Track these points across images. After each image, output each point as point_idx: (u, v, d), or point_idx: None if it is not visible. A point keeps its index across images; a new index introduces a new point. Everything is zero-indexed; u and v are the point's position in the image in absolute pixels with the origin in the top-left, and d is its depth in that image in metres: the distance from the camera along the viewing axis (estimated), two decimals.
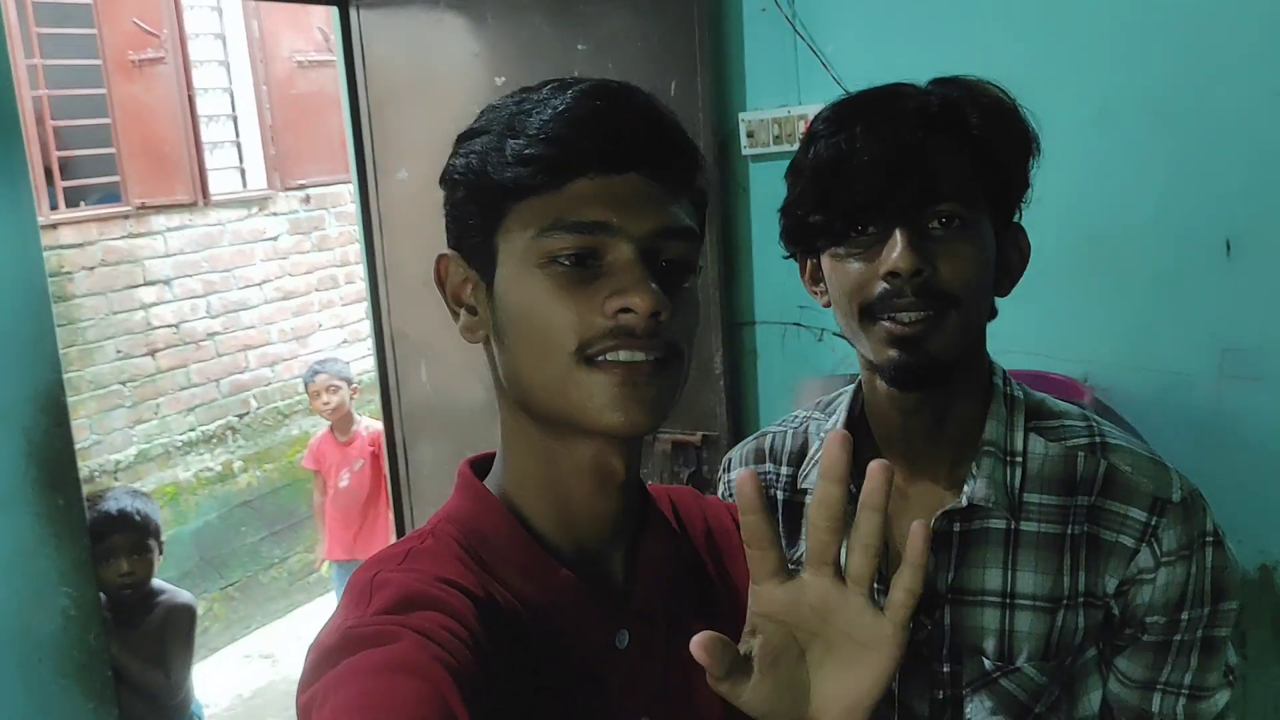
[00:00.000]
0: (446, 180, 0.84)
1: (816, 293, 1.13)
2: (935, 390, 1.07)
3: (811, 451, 1.20)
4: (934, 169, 1.03)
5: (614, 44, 2.72)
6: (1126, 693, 1.09)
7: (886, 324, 1.03)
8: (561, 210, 0.77)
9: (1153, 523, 1.04)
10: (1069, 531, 1.07)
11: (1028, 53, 2.33)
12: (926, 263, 1.01)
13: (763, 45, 2.59)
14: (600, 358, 0.77)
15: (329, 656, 0.68)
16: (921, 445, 1.11)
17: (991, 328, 2.48)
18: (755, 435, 1.28)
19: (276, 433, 5.59)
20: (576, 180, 0.77)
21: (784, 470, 1.22)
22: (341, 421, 4.51)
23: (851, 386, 1.19)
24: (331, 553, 4.56)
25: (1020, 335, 2.40)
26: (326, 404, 4.49)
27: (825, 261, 1.08)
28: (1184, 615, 1.04)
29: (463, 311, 0.85)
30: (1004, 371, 1.15)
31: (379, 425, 4.64)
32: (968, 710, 1.10)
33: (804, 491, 1.18)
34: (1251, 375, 2.19)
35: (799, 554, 1.15)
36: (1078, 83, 2.28)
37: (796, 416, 1.25)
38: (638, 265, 0.77)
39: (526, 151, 0.77)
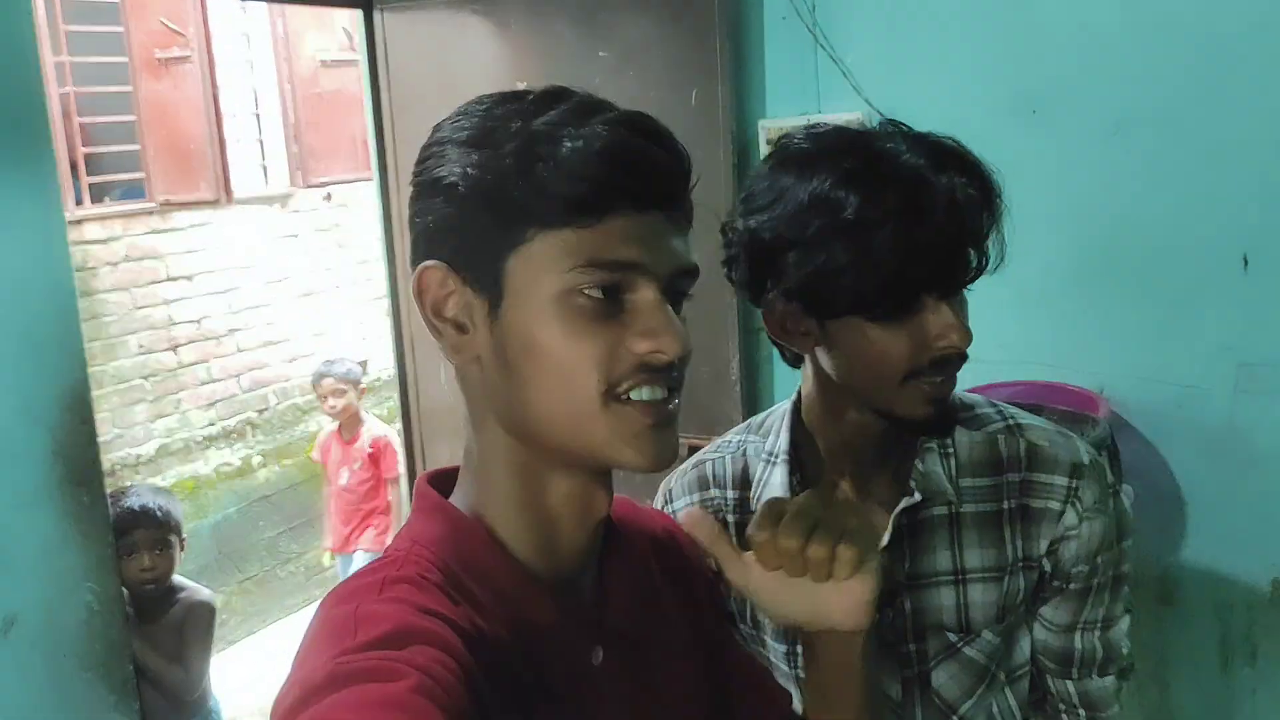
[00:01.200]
0: (437, 187, 0.78)
1: (790, 334, 1.12)
2: None
3: (758, 474, 1.24)
4: (975, 249, 1.09)
5: (635, 51, 2.73)
6: (1053, 638, 1.22)
7: (926, 386, 1.09)
8: (596, 249, 0.75)
9: (1073, 485, 1.16)
10: (1004, 506, 1.18)
11: (1046, 66, 2.34)
12: (970, 332, 1.09)
13: (783, 54, 2.61)
14: (626, 396, 0.76)
15: (316, 692, 0.64)
16: (871, 458, 1.19)
17: (1009, 339, 2.48)
18: (692, 464, 1.30)
19: (295, 429, 5.63)
20: (609, 217, 0.75)
21: (730, 494, 1.26)
22: (349, 421, 4.56)
23: (782, 408, 1.25)
24: (335, 545, 4.69)
25: (1037, 347, 2.41)
26: (333, 407, 4.55)
27: (842, 321, 1.08)
28: (1099, 560, 1.18)
29: (448, 328, 0.80)
30: None
31: (385, 429, 4.68)
32: (935, 683, 1.19)
33: (754, 513, 1.22)
34: (1266, 390, 2.20)
35: None
36: (1095, 96, 2.29)
37: (730, 441, 1.29)
38: (664, 306, 0.77)
39: (560, 183, 0.74)
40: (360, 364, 4.85)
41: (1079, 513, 1.16)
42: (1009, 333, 2.42)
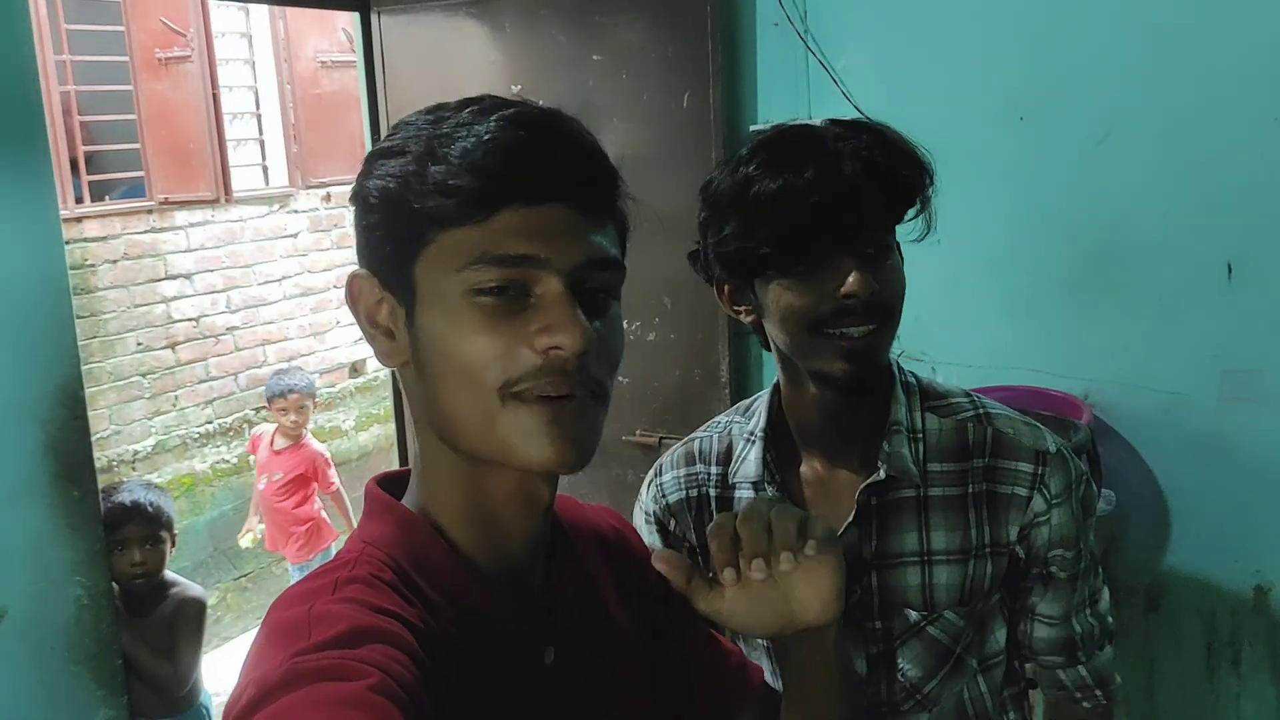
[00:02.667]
0: (360, 199, 0.80)
1: (739, 313, 1.23)
2: (867, 393, 1.21)
3: (737, 451, 1.30)
4: (870, 202, 1.14)
5: (629, 55, 2.75)
6: (1054, 631, 1.27)
7: (839, 340, 1.14)
8: (487, 243, 0.75)
9: (1039, 472, 1.21)
10: (969, 491, 1.22)
11: (1036, 73, 2.35)
12: (875, 283, 1.12)
13: (775, 59, 2.62)
14: (524, 393, 0.75)
15: (272, 691, 0.64)
16: (839, 437, 1.24)
17: (994, 344, 2.49)
18: (683, 442, 1.36)
19: None
20: (502, 212, 0.75)
21: (714, 470, 1.32)
22: (293, 432, 4.53)
23: (767, 391, 1.31)
24: (268, 544, 4.75)
25: (1022, 352, 2.42)
26: (295, 423, 4.50)
27: (765, 286, 1.17)
28: (1080, 546, 1.23)
29: (379, 335, 0.81)
30: (897, 360, 1.28)
31: (322, 447, 4.71)
32: (900, 661, 1.23)
33: (733, 486, 1.29)
34: (1250, 398, 2.21)
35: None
36: (1085, 104, 2.31)
37: (719, 422, 1.35)
38: (566, 300, 0.75)
39: (450, 181, 0.75)
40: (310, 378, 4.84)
41: (1047, 499, 1.21)
42: (994, 338, 2.43)
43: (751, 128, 2.65)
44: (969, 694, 1.25)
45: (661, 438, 2.85)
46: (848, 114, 2.49)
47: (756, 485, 1.26)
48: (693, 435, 1.36)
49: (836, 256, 1.12)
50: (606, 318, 0.80)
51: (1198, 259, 2.23)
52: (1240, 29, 2.14)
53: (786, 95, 2.61)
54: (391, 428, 5.04)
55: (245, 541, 4.73)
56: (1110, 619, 1.31)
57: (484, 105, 0.78)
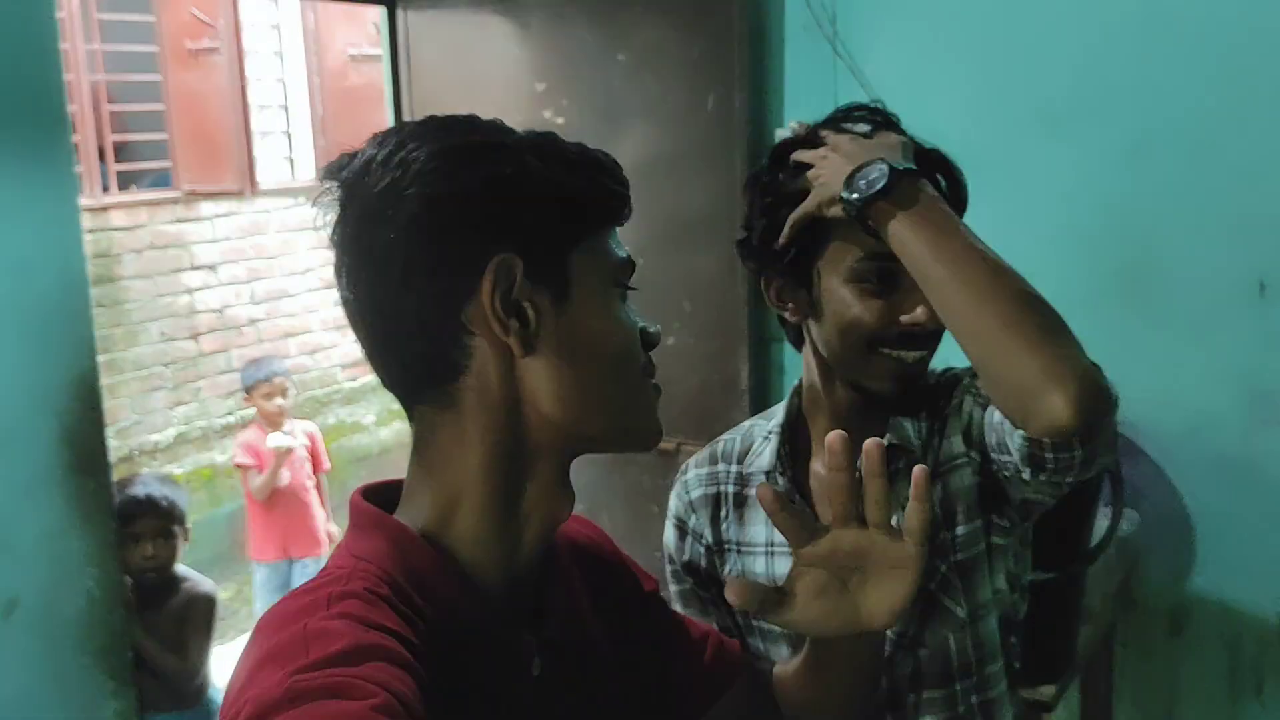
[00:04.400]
0: (508, 184, 0.79)
1: (784, 308, 1.24)
2: None
3: (755, 446, 1.33)
4: None
5: (654, 56, 2.73)
6: (990, 430, 1.17)
7: (892, 360, 1.17)
8: (616, 244, 0.85)
9: (967, 382, 1.23)
10: (931, 428, 1.25)
11: (1067, 83, 2.31)
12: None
13: (802, 62, 2.59)
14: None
15: (272, 709, 0.63)
16: (860, 420, 1.22)
17: None
18: (710, 444, 1.39)
19: (314, 420, 5.65)
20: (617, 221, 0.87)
21: (733, 468, 1.34)
22: (278, 420, 4.41)
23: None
24: (264, 553, 4.43)
25: None
26: (280, 406, 4.37)
27: (838, 294, 1.18)
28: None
29: (514, 322, 0.79)
30: None
31: (308, 422, 4.58)
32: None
33: (748, 479, 1.32)
34: None
35: (747, 538, 1.32)
36: (1117, 115, 2.26)
37: (744, 425, 1.39)
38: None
39: (615, 187, 0.84)
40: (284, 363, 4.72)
41: (975, 398, 1.20)
42: None
43: (777, 131, 2.62)
44: (955, 644, 1.22)
45: (679, 443, 2.82)
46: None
47: (769, 475, 1.28)
48: (719, 437, 1.39)
49: (909, 282, 1.13)
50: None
51: (1230, 276, 2.18)
52: (1277, 42, 2.09)
53: (813, 100, 2.58)
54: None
55: (276, 441, 4.36)
56: None
57: (547, 134, 0.84)
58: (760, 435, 1.34)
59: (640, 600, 0.93)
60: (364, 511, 0.84)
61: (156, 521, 2.79)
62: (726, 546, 1.34)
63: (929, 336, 1.17)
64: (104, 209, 4.73)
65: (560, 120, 2.90)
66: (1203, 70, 2.16)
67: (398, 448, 6.10)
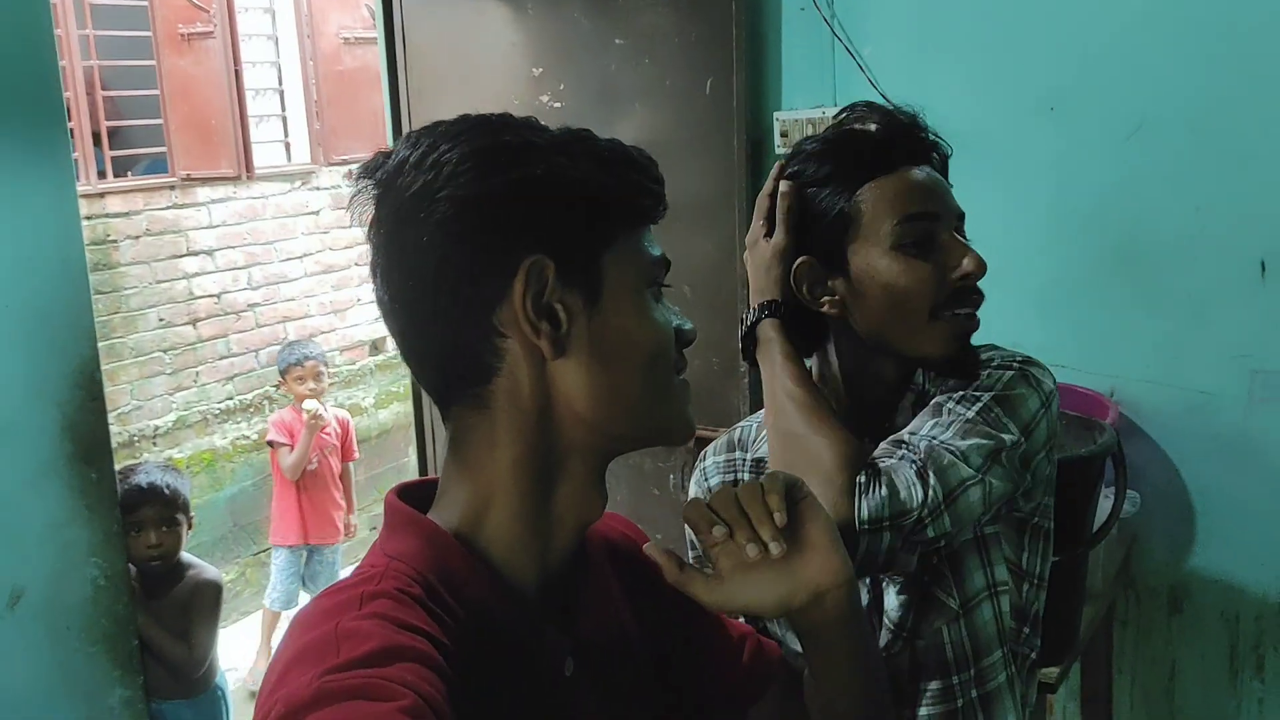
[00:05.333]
0: (539, 186, 0.79)
1: (821, 305, 1.21)
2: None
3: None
4: (946, 188, 1.23)
5: (652, 40, 2.71)
6: (886, 444, 1.18)
7: (954, 321, 1.17)
8: (650, 243, 0.85)
9: (953, 383, 1.22)
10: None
11: (1067, 63, 2.30)
12: (983, 261, 1.17)
13: (800, 46, 2.58)
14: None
15: (302, 709, 0.63)
16: (873, 402, 1.25)
17: (1021, 339, 2.49)
18: (729, 430, 1.41)
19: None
20: (649, 223, 0.87)
21: (750, 456, 1.35)
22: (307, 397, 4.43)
23: None
24: (285, 537, 4.47)
25: (1048, 347, 2.35)
26: (314, 389, 4.39)
27: (878, 270, 1.18)
28: (961, 392, 1.18)
29: (545, 325, 0.79)
30: None
31: (341, 409, 4.65)
32: (886, 604, 1.25)
33: (762, 467, 1.32)
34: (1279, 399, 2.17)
35: None
36: (1116, 95, 2.26)
37: (760, 413, 1.37)
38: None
39: (649, 185, 0.83)
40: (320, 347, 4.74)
41: (951, 400, 1.20)
42: (1022, 332, 2.38)
43: (775, 115, 2.61)
44: (949, 636, 1.22)
45: None
46: (874, 101, 2.47)
47: (760, 461, 1.31)
48: (737, 424, 1.41)
49: (946, 237, 1.17)
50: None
51: (1230, 256, 2.18)
52: (1276, 21, 2.08)
53: (812, 83, 2.57)
54: (410, 405, 5.04)
55: (311, 405, 4.37)
56: (937, 481, 1.11)
57: (578, 130, 0.84)
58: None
59: (676, 599, 0.93)
60: (398, 510, 0.84)
61: (160, 510, 2.80)
62: None
63: (977, 289, 1.18)
64: (100, 195, 4.71)
65: (557, 105, 2.89)
66: (1203, 50, 2.16)
67: (396, 430, 6.10)
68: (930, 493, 1.09)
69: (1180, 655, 2.40)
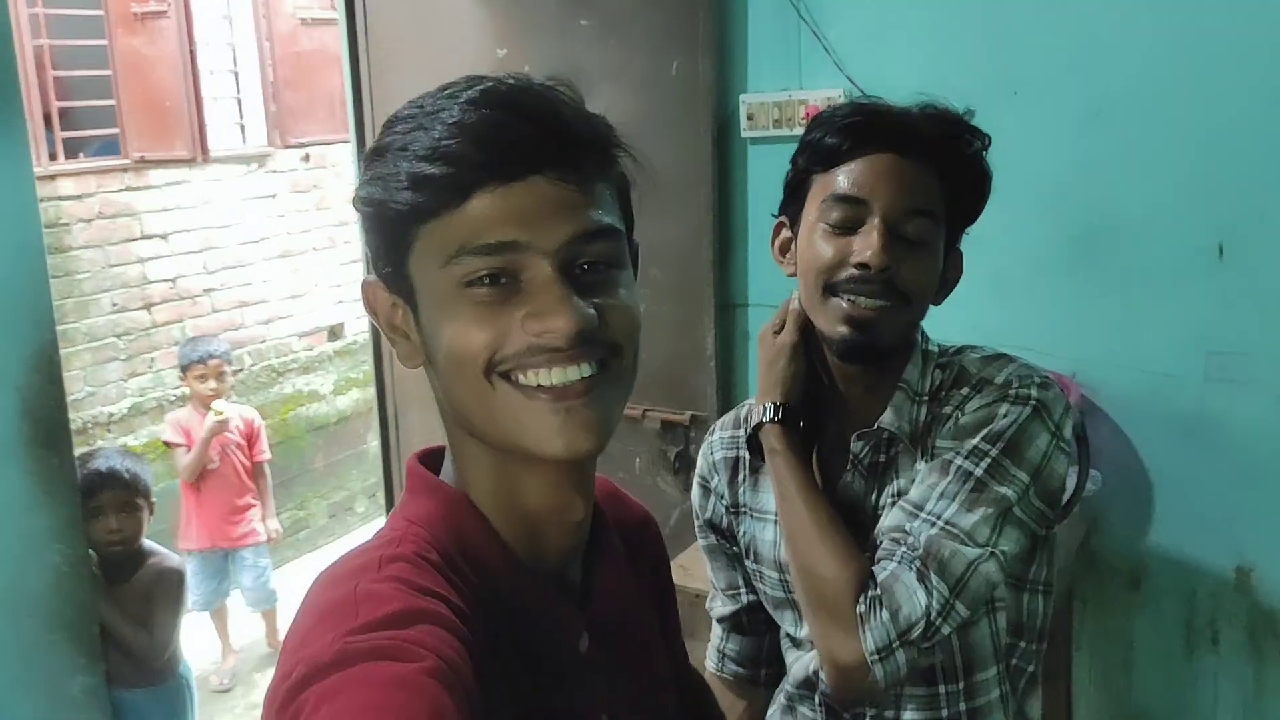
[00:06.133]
0: (361, 210, 0.79)
1: (783, 262, 1.30)
2: (872, 364, 1.25)
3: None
4: (922, 181, 1.21)
5: (617, 21, 2.71)
6: (895, 514, 1.20)
7: (844, 303, 1.20)
8: (465, 234, 0.73)
9: (970, 395, 1.22)
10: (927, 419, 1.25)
11: (1029, 47, 2.33)
12: (895, 262, 1.17)
13: (766, 29, 2.58)
14: (520, 378, 0.74)
15: (323, 670, 0.64)
16: (858, 399, 1.28)
17: (982, 321, 2.54)
18: (738, 406, 1.45)
19: (270, 390, 5.59)
20: (475, 196, 0.73)
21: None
22: (211, 401, 4.23)
23: None
24: (190, 540, 4.27)
25: (1009, 330, 2.41)
26: (215, 390, 4.21)
27: (803, 232, 1.24)
28: (969, 442, 1.17)
29: (398, 339, 0.81)
30: (923, 332, 1.32)
31: (250, 409, 4.47)
32: None
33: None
34: (1235, 379, 2.21)
35: (759, 504, 1.37)
36: (1078, 79, 2.28)
37: None
38: (556, 283, 0.73)
39: (419, 172, 0.73)
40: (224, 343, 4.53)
41: (957, 405, 1.22)
42: (982, 315, 2.41)
43: (741, 97, 2.62)
44: (940, 654, 1.22)
45: (645, 410, 2.83)
46: (839, 85, 2.48)
47: (749, 439, 1.33)
48: (746, 401, 1.43)
49: (868, 225, 1.18)
50: (614, 292, 0.77)
51: (1189, 239, 2.22)
52: (1237, 6, 2.12)
53: (778, 66, 2.58)
54: (371, 391, 4.99)
55: (219, 405, 4.19)
56: (951, 592, 1.12)
57: (456, 88, 0.75)
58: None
59: (665, 607, 0.95)
60: (417, 475, 0.85)
61: (120, 494, 2.76)
62: (742, 509, 1.38)
63: (884, 286, 1.17)
64: (51, 178, 4.61)
65: None
66: (1161, 33, 2.19)
67: (355, 416, 6.05)
68: (934, 595, 1.11)
69: (1138, 632, 2.45)
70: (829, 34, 2.50)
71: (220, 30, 5.54)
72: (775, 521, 1.31)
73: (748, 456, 1.36)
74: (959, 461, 1.16)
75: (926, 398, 1.25)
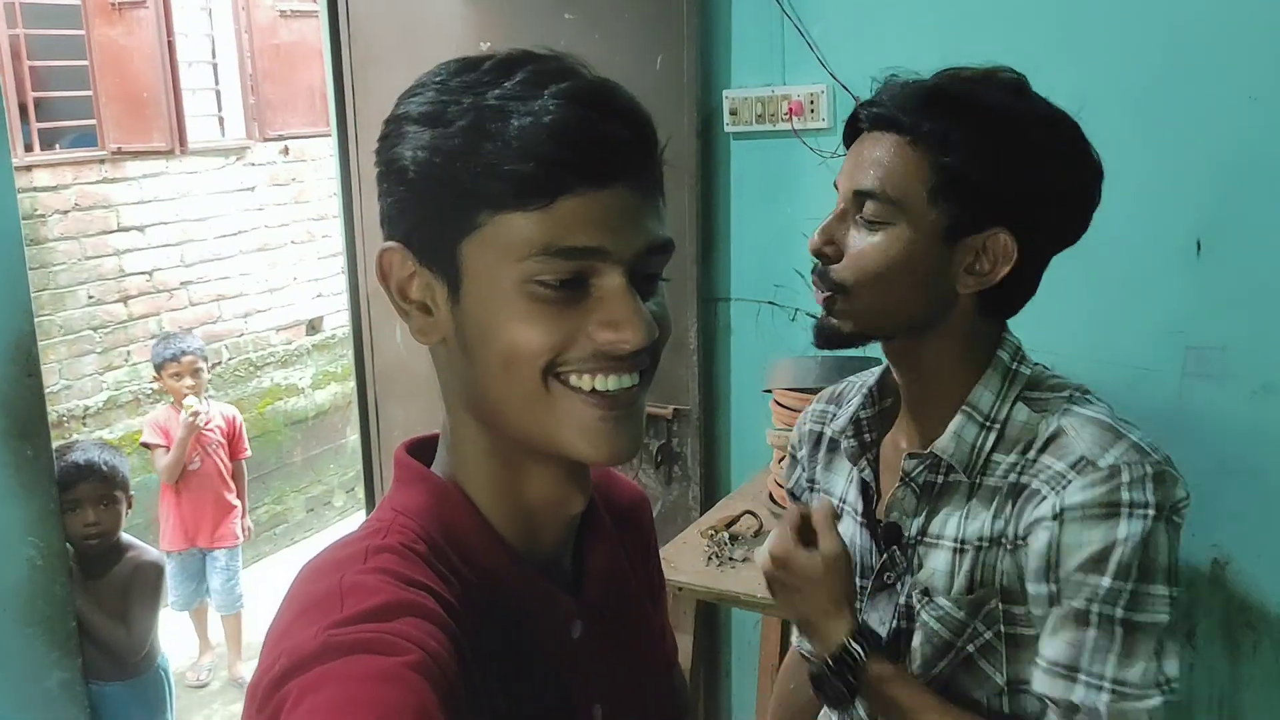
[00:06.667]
0: (393, 169, 0.75)
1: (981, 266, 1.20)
2: (903, 354, 1.20)
3: (849, 398, 1.33)
4: (870, 158, 1.14)
5: (601, 15, 2.70)
6: (1052, 682, 1.08)
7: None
8: (551, 235, 0.71)
9: (1069, 477, 1.07)
10: (1008, 481, 1.13)
11: (1009, 44, 2.33)
12: (829, 246, 1.15)
13: (750, 23, 2.59)
14: (575, 381, 0.74)
15: (306, 662, 0.63)
16: (917, 402, 1.22)
17: None
18: (841, 381, 1.40)
19: (249, 384, 5.57)
20: (564, 199, 0.71)
21: (843, 412, 1.32)
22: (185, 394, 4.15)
23: None
24: (171, 542, 4.19)
25: None
26: (191, 386, 4.11)
27: None
28: (1099, 583, 1.05)
29: (414, 310, 0.78)
30: (1017, 348, 1.22)
31: (230, 406, 4.42)
32: (914, 641, 1.18)
33: (857, 421, 1.28)
34: (1213, 374, 2.23)
35: (828, 485, 1.34)
36: (1058, 76, 2.27)
37: (872, 370, 1.35)
38: (630, 294, 0.73)
39: (509, 165, 0.70)
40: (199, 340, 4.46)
41: (1055, 505, 1.07)
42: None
43: (725, 92, 2.62)
44: (989, 707, 1.15)
45: None
46: (822, 80, 2.49)
47: (843, 433, 1.28)
48: (850, 377, 1.39)
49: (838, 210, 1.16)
50: (659, 299, 0.78)
51: (1167, 235, 2.24)
52: (1213, 2, 2.14)
53: (761, 60, 2.58)
54: (350, 385, 4.97)
55: (191, 401, 4.09)
56: (1144, 702, 1.05)
57: (533, 72, 0.73)
58: (858, 389, 1.31)
59: (655, 599, 0.95)
60: (405, 465, 0.84)
61: (97, 487, 2.74)
62: (815, 485, 1.36)
63: (820, 275, 1.15)
64: (27, 168, 4.57)
65: None
66: (1141, 29, 2.21)
67: (334, 411, 6.03)
68: None
69: None
70: (812, 29, 2.50)
71: (199, 21, 5.51)
72: (839, 507, 1.30)
73: (829, 435, 1.33)
74: (1096, 609, 1.05)
75: (998, 425, 1.15)
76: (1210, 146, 2.17)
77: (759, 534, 2.33)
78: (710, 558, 2.24)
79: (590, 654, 0.84)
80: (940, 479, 1.18)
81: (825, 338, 1.18)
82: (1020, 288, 1.21)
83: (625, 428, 0.75)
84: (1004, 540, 1.12)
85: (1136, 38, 2.21)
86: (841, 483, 1.30)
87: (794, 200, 2.61)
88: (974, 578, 1.14)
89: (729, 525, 2.32)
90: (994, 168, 1.12)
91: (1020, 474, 1.12)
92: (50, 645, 2.40)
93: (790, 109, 2.51)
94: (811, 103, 2.50)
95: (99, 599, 2.73)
